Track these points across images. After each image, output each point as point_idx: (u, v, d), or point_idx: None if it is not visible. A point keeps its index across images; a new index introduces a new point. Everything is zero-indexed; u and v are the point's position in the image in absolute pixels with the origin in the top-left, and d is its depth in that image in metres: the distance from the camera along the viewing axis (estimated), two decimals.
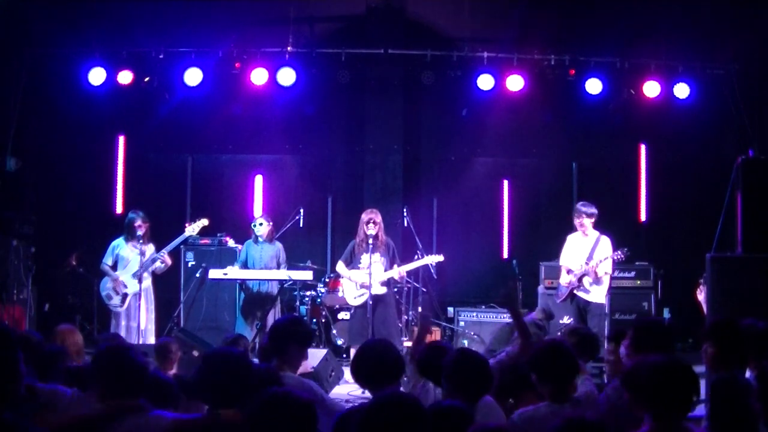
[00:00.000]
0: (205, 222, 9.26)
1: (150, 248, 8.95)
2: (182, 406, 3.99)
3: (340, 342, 9.71)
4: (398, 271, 8.64)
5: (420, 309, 9.96)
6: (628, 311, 9.79)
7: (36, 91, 10.46)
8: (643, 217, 11.55)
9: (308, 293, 10.03)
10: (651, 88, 10.46)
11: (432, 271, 9.79)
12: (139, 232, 8.81)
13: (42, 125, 10.86)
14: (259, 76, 10.42)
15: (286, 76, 10.36)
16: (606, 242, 8.69)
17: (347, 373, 7.42)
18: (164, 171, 11.69)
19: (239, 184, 11.63)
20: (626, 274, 9.99)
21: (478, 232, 11.82)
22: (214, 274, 9.14)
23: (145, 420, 3.41)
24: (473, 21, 11.21)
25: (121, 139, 11.31)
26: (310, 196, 11.60)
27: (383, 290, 8.53)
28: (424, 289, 10.18)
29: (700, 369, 5.03)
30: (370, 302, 8.35)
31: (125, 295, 8.86)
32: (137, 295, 8.80)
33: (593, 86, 10.50)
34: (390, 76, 11.27)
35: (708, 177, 10.51)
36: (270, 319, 8.80)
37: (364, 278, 8.50)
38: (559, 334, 7.12)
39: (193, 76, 10.35)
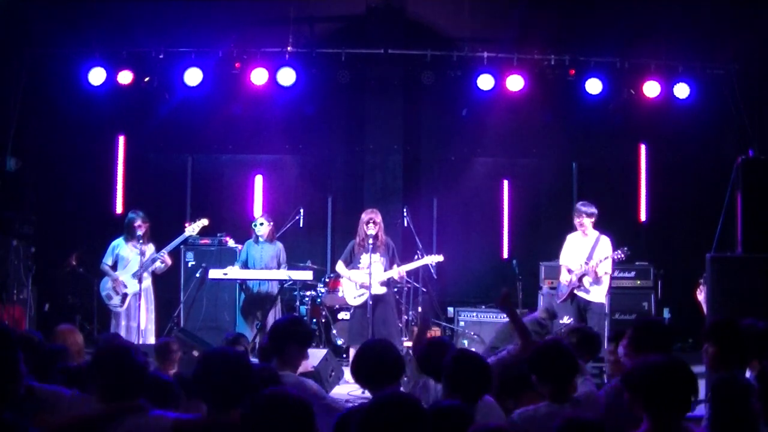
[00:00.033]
0: (205, 222, 9.26)
1: (150, 248, 8.95)
2: (182, 406, 3.98)
3: (340, 342, 9.71)
4: (398, 271, 8.64)
5: (420, 308, 9.96)
6: (628, 311, 9.79)
7: (36, 91, 10.46)
8: (643, 217, 11.55)
9: (308, 293, 10.03)
10: (651, 88, 10.46)
11: (432, 271, 9.79)
12: (139, 232, 8.81)
13: (42, 125, 10.86)
14: (259, 76, 10.42)
15: (286, 76, 10.36)
16: (606, 242, 8.69)
17: (347, 373, 7.42)
18: (164, 171, 11.69)
19: (239, 184, 11.63)
20: (626, 274, 10.00)
21: (478, 232, 11.82)
22: (214, 274, 9.14)
23: (146, 420, 3.39)
24: (473, 21, 11.21)
25: (121, 139, 11.31)
26: (310, 196, 11.60)
27: (383, 290, 8.53)
28: (424, 289, 10.17)
29: (700, 369, 5.04)
30: (370, 302, 8.35)
31: (125, 295, 8.86)
32: (137, 295, 8.80)
33: (593, 86, 10.50)
34: (390, 76, 11.28)
35: (708, 177, 10.51)
36: (270, 319, 8.81)
37: (363, 278, 8.49)
38: (558, 333, 7.12)
39: (193, 76, 10.35)
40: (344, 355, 9.12)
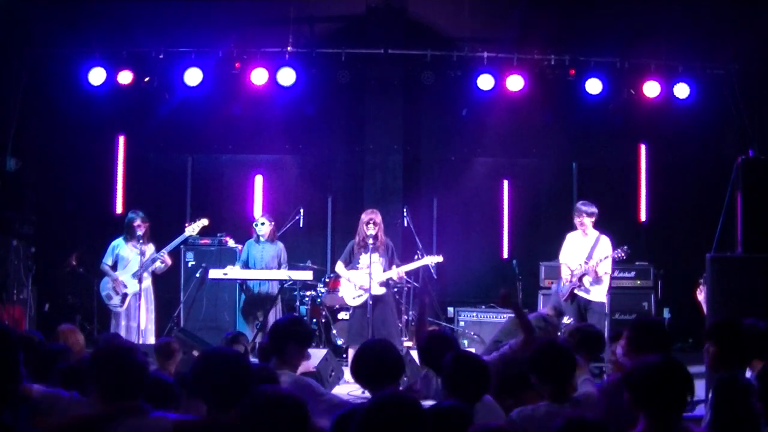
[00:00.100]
0: (205, 222, 9.26)
1: (150, 248, 8.95)
2: (183, 406, 3.97)
3: (340, 342, 9.71)
4: (397, 272, 8.65)
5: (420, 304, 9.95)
6: (628, 311, 9.78)
7: (36, 91, 10.47)
8: (643, 217, 11.55)
9: (308, 293, 10.03)
10: (651, 88, 10.46)
11: (432, 271, 9.79)
12: (139, 232, 8.82)
13: (42, 125, 10.86)
14: (259, 76, 10.42)
15: (286, 76, 10.36)
16: (605, 242, 8.69)
17: (347, 373, 7.42)
18: (164, 171, 11.69)
19: (239, 184, 11.62)
20: (626, 274, 10.00)
21: (478, 232, 11.82)
22: (214, 274, 9.14)
23: (146, 422, 3.37)
24: (473, 21, 11.21)
25: (121, 139, 11.31)
26: (310, 196, 11.59)
27: (382, 290, 8.53)
28: (417, 284, 10.14)
29: (700, 369, 5.05)
30: (370, 302, 8.35)
31: (125, 295, 8.86)
32: (137, 295, 8.80)
33: (593, 86, 10.50)
34: (390, 76, 11.27)
35: (708, 177, 10.51)
36: (271, 319, 8.81)
37: (363, 279, 8.50)
38: (559, 334, 7.12)
39: (193, 76, 10.35)
40: (344, 355, 9.12)
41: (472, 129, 11.66)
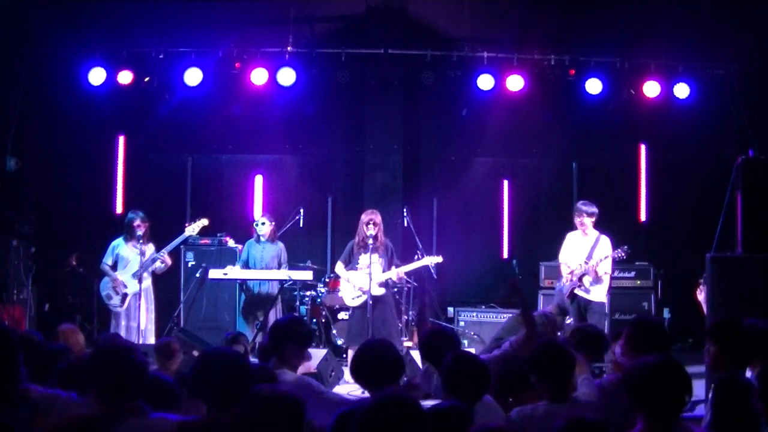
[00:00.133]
0: (205, 222, 9.26)
1: (150, 248, 8.95)
2: (183, 406, 3.97)
3: (340, 342, 9.71)
4: (396, 273, 8.65)
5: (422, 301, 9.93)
6: (628, 311, 9.79)
7: (36, 91, 10.46)
8: (643, 217, 11.55)
9: (308, 293, 10.03)
10: (651, 88, 10.47)
11: (432, 271, 9.79)
12: (139, 232, 8.82)
13: (42, 125, 10.86)
14: (259, 76, 10.42)
15: (286, 76, 10.36)
16: (606, 242, 8.70)
17: (347, 373, 7.42)
18: (164, 171, 11.68)
19: (239, 184, 11.62)
20: (626, 274, 10.01)
21: (478, 232, 11.82)
22: (214, 274, 9.14)
23: (146, 422, 3.36)
24: (473, 21, 11.22)
25: (121, 139, 11.31)
26: (310, 196, 11.59)
27: (382, 291, 8.53)
28: (416, 284, 10.13)
29: (700, 369, 5.05)
30: (371, 302, 8.35)
31: (125, 295, 8.86)
32: (137, 295, 8.80)
33: (593, 86, 10.50)
34: (390, 76, 11.27)
35: (708, 177, 10.51)
36: (271, 319, 8.80)
37: (362, 279, 8.50)
38: (559, 334, 7.12)
39: (193, 76, 10.35)
40: (344, 355, 9.12)
41: (472, 129, 11.66)
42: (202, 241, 9.96)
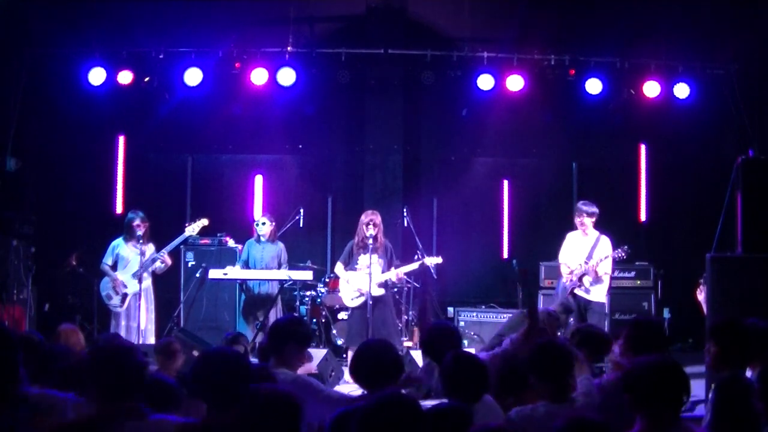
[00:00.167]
0: (205, 222, 9.26)
1: (150, 248, 8.95)
2: (184, 406, 3.97)
3: (340, 342, 9.71)
4: (395, 273, 8.66)
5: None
6: (628, 311, 9.79)
7: (36, 91, 10.46)
8: (643, 217, 11.55)
9: (308, 293, 10.03)
10: (651, 88, 10.46)
11: (432, 271, 9.79)
12: (138, 232, 8.82)
13: (42, 125, 10.86)
14: (259, 76, 10.42)
15: (286, 76, 10.36)
16: (606, 242, 8.70)
17: (347, 373, 7.42)
18: (164, 171, 11.69)
19: (239, 184, 11.62)
20: (626, 274, 10.01)
21: (478, 232, 11.82)
22: (214, 274, 9.14)
23: (146, 424, 3.33)
24: (473, 21, 11.21)
25: (121, 139, 11.31)
26: (310, 196, 11.59)
27: (381, 291, 8.54)
28: (417, 285, 10.15)
29: (700, 369, 5.05)
30: (370, 302, 8.35)
31: (125, 295, 8.86)
32: (137, 295, 8.80)
33: (593, 86, 10.50)
34: (390, 76, 11.27)
35: (708, 177, 10.51)
36: (271, 319, 8.80)
37: (361, 280, 8.50)
38: (559, 333, 7.12)
39: (193, 76, 10.35)
40: (344, 355, 9.12)
41: (472, 129, 11.66)
42: (202, 241, 9.96)
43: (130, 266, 8.89)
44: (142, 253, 8.81)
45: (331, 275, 10.18)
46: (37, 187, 10.86)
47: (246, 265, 9.26)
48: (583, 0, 10.96)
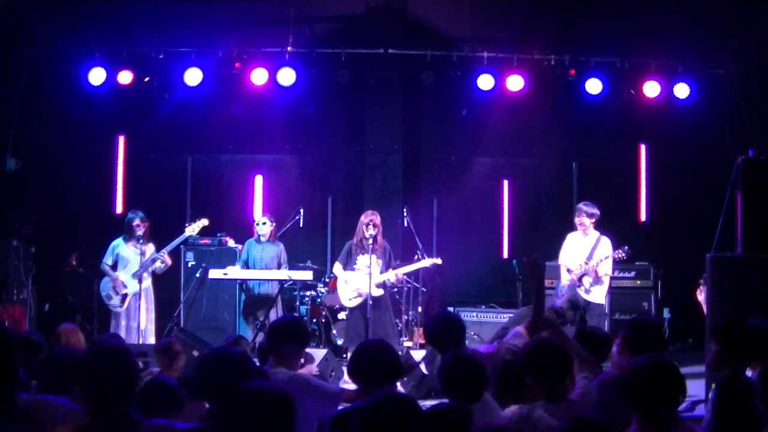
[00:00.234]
0: (205, 222, 9.26)
1: (150, 248, 8.95)
2: (185, 406, 3.96)
3: (340, 342, 9.71)
4: (394, 274, 8.66)
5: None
6: (628, 311, 9.79)
7: (36, 91, 10.46)
8: (643, 217, 11.55)
9: (308, 293, 10.03)
10: (651, 88, 10.46)
11: (437, 272, 9.79)
12: (138, 232, 8.81)
13: (42, 125, 10.86)
14: (259, 76, 10.42)
15: (286, 76, 10.36)
16: (606, 243, 8.69)
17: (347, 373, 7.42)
18: (164, 171, 11.69)
19: (239, 184, 11.62)
20: (626, 274, 10.00)
21: (478, 232, 11.82)
22: (214, 274, 9.14)
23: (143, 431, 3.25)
24: (473, 21, 11.22)
25: (121, 139, 11.31)
26: (310, 196, 11.59)
27: (379, 292, 8.54)
28: (417, 284, 10.15)
29: (700, 369, 5.05)
30: (370, 302, 8.35)
31: (125, 295, 8.86)
32: (137, 295, 8.80)
33: (593, 86, 10.50)
34: (390, 76, 11.27)
35: (708, 177, 10.51)
36: (272, 319, 8.79)
37: (360, 280, 8.50)
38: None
39: (193, 76, 10.35)
40: (344, 355, 9.12)
41: (472, 129, 11.66)
42: (202, 241, 9.96)
43: (130, 266, 8.88)
44: (142, 253, 8.81)
45: (331, 275, 10.17)
46: (37, 187, 10.86)
47: (246, 265, 9.26)
48: (583, 0, 10.96)
